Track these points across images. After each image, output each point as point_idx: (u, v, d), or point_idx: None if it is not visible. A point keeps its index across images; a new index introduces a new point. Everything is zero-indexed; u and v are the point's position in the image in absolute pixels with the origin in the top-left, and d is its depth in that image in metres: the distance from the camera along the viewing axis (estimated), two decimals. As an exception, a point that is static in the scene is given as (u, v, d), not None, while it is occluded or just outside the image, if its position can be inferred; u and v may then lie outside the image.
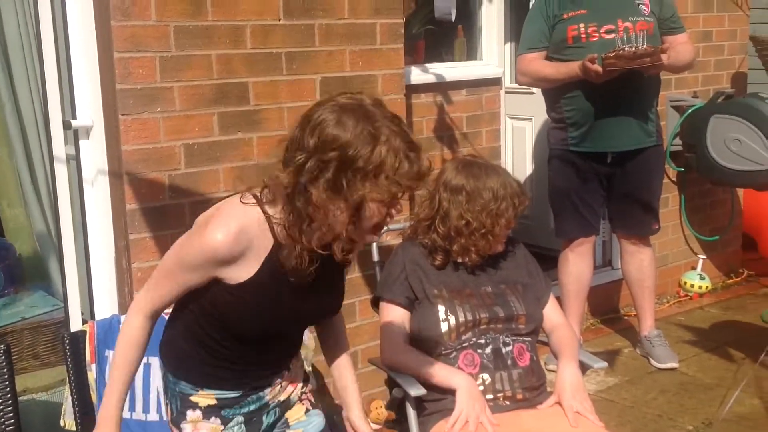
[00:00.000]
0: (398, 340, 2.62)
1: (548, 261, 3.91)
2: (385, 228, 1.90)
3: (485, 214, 2.57)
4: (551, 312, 2.76)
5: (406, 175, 1.72)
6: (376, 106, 1.76)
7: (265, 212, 1.81)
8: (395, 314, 2.64)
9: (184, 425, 1.96)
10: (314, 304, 1.94)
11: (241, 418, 1.99)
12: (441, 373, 2.52)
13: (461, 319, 2.56)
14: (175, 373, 1.97)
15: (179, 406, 1.97)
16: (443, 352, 2.56)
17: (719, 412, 3.56)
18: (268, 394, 2.04)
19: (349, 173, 1.70)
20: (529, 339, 2.63)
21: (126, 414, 2.42)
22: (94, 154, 2.98)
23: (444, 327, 2.56)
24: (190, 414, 1.95)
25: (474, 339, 2.56)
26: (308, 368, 2.79)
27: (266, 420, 2.07)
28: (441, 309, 2.58)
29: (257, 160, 3.16)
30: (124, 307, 2.98)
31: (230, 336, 1.90)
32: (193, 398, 1.95)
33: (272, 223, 1.81)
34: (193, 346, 1.93)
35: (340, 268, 2.00)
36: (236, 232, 1.77)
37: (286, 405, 2.12)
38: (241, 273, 1.81)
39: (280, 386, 2.08)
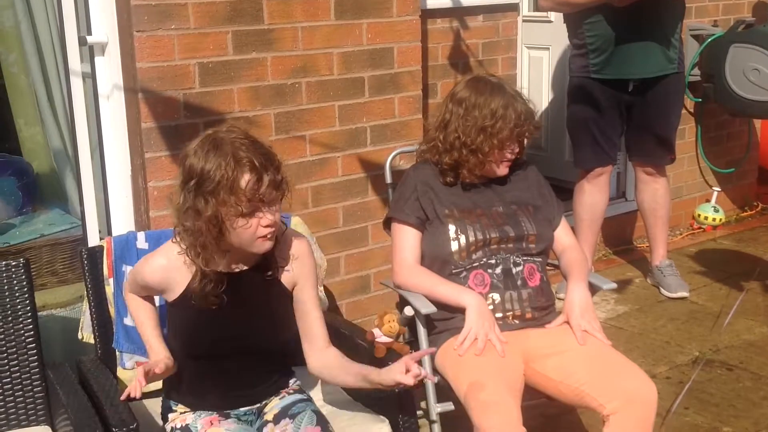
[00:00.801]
0: (410, 260, 2.65)
1: (563, 192, 3.89)
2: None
3: (476, 130, 2.56)
4: (562, 234, 2.77)
5: (242, 189, 2.00)
6: (230, 131, 2.08)
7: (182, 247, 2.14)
8: (407, 234, 2.66)
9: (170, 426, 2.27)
10: (242, 327, 2.21)
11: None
12: (451, 292, 2.55)
13: (471, 238, 2.58)
14: (164, 389, 2.33)
15: (164, 410, 2.31)
16: (453, 271, 2.58)
17: (722, 324, 3.61)
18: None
19: (200, 196, 2.02)
20: (540, 259, 2.65)
21: (129, 321, 2.50)
22: (110, 71, 2.98)
23: (454, 246, 2.58)
24: (172, 416, 2.27)
25: (484, 259, 2.58)
26: (320, 290, 2.83)
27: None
28: (451, 228, 2.59)
29: (271, 80, 3.15)
30: (140, 225, 3.02)
31: (185, 353, 2.22)
32: (173, 407, 2.28)
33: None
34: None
35: (279, 299, 2.26)
36: (160, 266, 2.19)
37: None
38: (172, 294, 2.20)
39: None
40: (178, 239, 2.14)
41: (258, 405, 2.30)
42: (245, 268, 2.20)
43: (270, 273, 2.22)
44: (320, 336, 2.27)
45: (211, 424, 2.17)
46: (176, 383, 2.27)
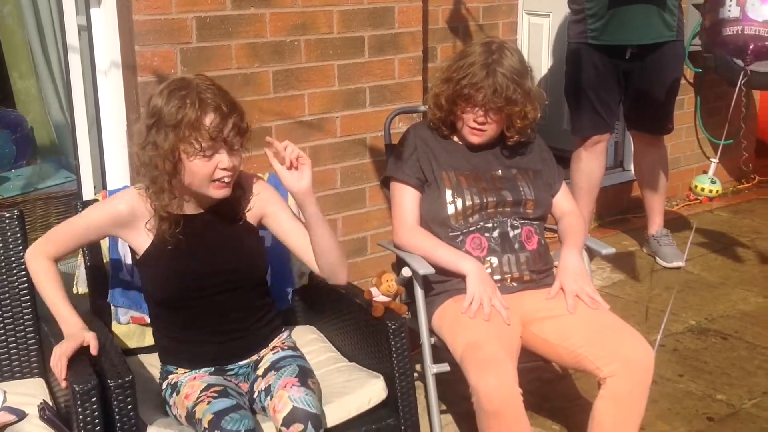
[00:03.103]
0: (410, 221, 2.63)
1: (561, 161, 3.80)
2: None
3: (444, 79, 2.56)
4: (562, 199, 2.75)
5: (206, 127, 2.05)
6: (197, 77, 2.13)
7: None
8: (407, 195, 2.64)
9: (166, 383, 2.28)
10: (217, 263, 2.23)
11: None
12: (450, 257, 2.54)
13: (468, 202, 2.56)
14: (161, 358, 2.34)
15: (163, 373, 2.32)
16: (450, 234, 2.57)
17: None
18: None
19: (161, 130, 2.06)
20: (537, 223, 2.63)
21: (125, 276, 2.48)
22: (106, 24, 2.93)
23: (451, 210, 2.56)
24: (171, 377, 2.27)
25: (481, 223, 2.56)
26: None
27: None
28: (448, 192, 2.58)
29: (270, 37, 3.10)
30: (135, 181, 2.98)
31: (164, 307, 2.25)
32: (173, 371, 2.28)
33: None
34: (158, 330, 2.33)
35: (246, 233, 2.29)
36: (128, 198, 2.20)
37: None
38: (140, 243, 2.20)
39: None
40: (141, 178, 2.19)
41: (255, 358, 2.30)
42: (204, 210, 2.24)
43: (234, 213, 2.26)
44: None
45: (195, 378, 2.19)
46: (173, 345, 2.28)
